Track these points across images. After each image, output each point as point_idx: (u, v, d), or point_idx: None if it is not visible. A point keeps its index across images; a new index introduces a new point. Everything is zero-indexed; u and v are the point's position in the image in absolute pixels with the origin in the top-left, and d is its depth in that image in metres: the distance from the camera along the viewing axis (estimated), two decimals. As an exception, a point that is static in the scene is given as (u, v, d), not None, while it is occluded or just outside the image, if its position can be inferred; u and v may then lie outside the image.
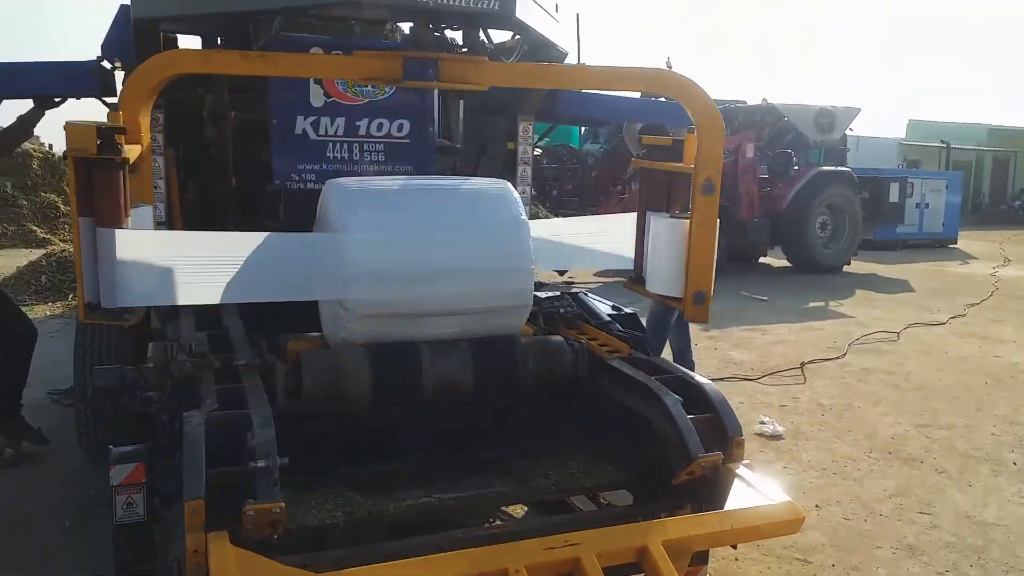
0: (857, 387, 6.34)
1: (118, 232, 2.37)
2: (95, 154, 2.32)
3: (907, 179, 15.34)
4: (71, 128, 2.27)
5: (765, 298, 10.35)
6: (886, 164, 20.76)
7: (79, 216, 2.37)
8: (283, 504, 2.02)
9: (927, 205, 16.69)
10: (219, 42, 4.86)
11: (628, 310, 4.12)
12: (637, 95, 6.54)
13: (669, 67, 14.96)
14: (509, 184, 3.04)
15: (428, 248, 2.73)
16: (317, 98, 4.28)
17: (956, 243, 17.48)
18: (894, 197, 14.29)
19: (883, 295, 11.04)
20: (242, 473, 2.10)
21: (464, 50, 4.05)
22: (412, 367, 2.75)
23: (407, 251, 2.70)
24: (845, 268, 13.19)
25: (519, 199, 2.96)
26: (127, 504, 2.24)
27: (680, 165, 3.13)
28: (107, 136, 2.36)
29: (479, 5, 3.00)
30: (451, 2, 2.96)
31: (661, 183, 3.32)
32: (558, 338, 3.13)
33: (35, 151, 14.85)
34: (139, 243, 2.46)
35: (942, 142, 23.33)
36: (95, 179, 2.37)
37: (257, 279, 2.67)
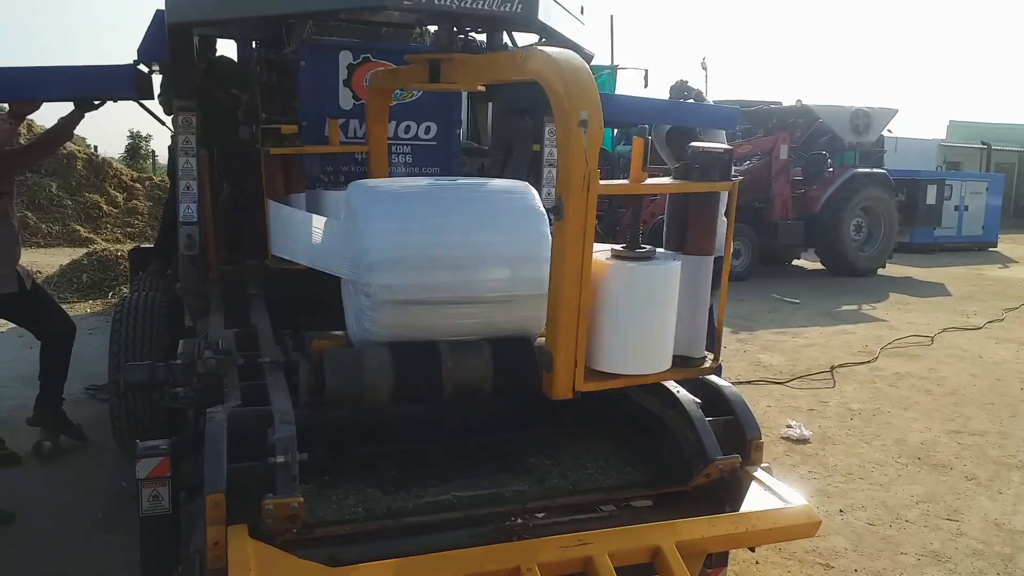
0: (888, 392, 6.26)
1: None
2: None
3: (945, 181, 15.08)
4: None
5: (797, 301, 10.25)
6: (926, 166, 20.37)
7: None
8: (302, 499, 2.07)
9: (966, 207, 16.38)
10: (253, 45, 4.98)
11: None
12: (664, 97, 6.56)
13: (704, 68, 14.88)
14: (528, 184, 3.07)
15: (447, 235, 2.76)
16: (346, 101, 4.36)
17: (996, 246, 17.14)
18: (931, 199, 14.07)
19: (918, 299, 10.87)
20: (262, 468, 2.15)
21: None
22: (433, 366, 2.79)
23: (425, 238, 2.73)
24: (880, 271, 13.01)
25: (537, 196, 2.98)
26: (153, 497, 2.30)
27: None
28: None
29: (502, 8, 3.03)
30: (474, 5, 3.00)
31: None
32: (578, 339, 3.14)
33: (80, 152, 15.23)
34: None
35: (983, 143, 22.87)
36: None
37: (315, 250, 3.08)
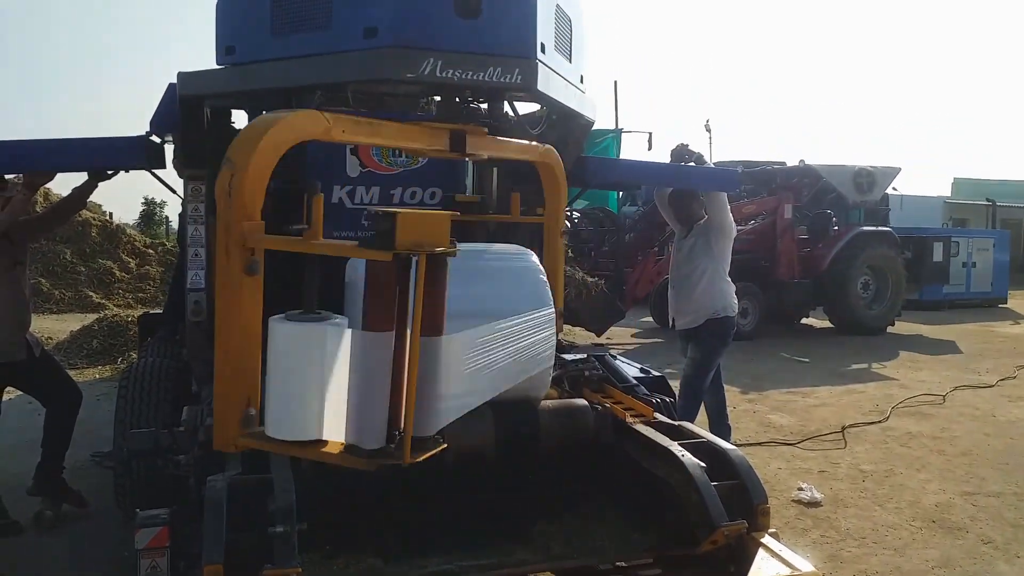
0: (900, 452, 6.17)
1: (446, 338, 2.11)
2: (446, 246, 2.00)
3: (951, 238, 15.13)
4: (421, 216, 1.96)
5: (806, 360, 10.19)
6: (931, 223, 20.47)
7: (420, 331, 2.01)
8: (300, 569, 2.06)
9: (974, 264, 16.38)
10: (263, 115, 5.10)
11: (656, 373, 4.12)
12: (666, 160, 6.64)
13: (708, 130, 15.15)
14: (532, 252, 3.11)
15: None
16: (353, 168, 4.43)
17: (1006, 303, 17.07)
18: (938, 256, 14.09)
19: (928, 356, 10.79)
20: (261, 538, 2.14)
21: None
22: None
23: None
24: (889, 329, 12.95)
25: (540, 266, 3.02)
26: (151, 568, 2.29)
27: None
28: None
29: (503, 79, 3.11)
30: (475, 77, 3.08)
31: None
32: (581, 402, 3.14)
33: (95, 219, 15.49)
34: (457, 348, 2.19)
35: (988, 200, 22.98)
36: (433, 278, 2.04)
37: None
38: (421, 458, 2.07)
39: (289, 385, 2.05)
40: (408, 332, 2.00)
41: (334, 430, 2.05)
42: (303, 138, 2.41)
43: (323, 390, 2.04)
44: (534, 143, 3.62)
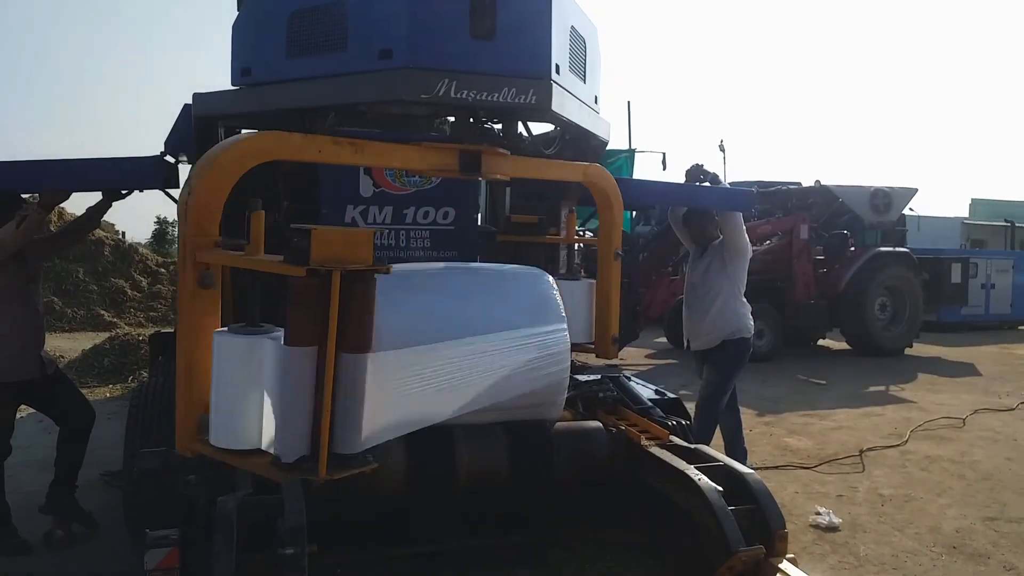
0: (919, 476, 6.07)
1: (371, 357, 2.08)
2: (367, 264, 2.01)
3: (969, 259, 14.97)
4: (332, 233, 1.99)
5: (823, 382, 10.07)
6: (949, 244, 20.28)
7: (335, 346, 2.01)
8: (309, 592, 2.02)
9: (993, 286, 16.20)
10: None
11: (671, 395, 4.07)
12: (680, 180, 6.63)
13: (722, 150, 15.14)
14: (545, 273, 3.08)
15: (460, 337, 2.75)
16: (366, 188, 4.44)
17: (1026, 324, 16.86)
18: (956, 278, 13.93)
19: (947, 379, 10.64)
20: (270, 560, 2.11)
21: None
22: (447, 454, 2.75)
23: (439, 334, 2.72)
24: (907, 351, 12.80)
25: (554, 287, 2.99)
26: (160, 590, 2.26)
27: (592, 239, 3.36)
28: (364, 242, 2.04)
29: (517, 100, 3.11)
30: (490, 98, 3.08)
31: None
32: (595, 424, 3.10)
33: (107, 239, 15.61)
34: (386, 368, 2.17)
35: (1006, 221, 22.77)
36: (356, 295, 2.03)
37: None
38: (339, 476, 2.08)
39: (227, 395, 2.11)
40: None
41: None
42: (266, 159, 2.49)
43: (260, 401, 2.06)
44: (579, 162, 3.56)
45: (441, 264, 3.66)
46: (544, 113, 3.34)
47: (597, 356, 3.78)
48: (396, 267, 2.97)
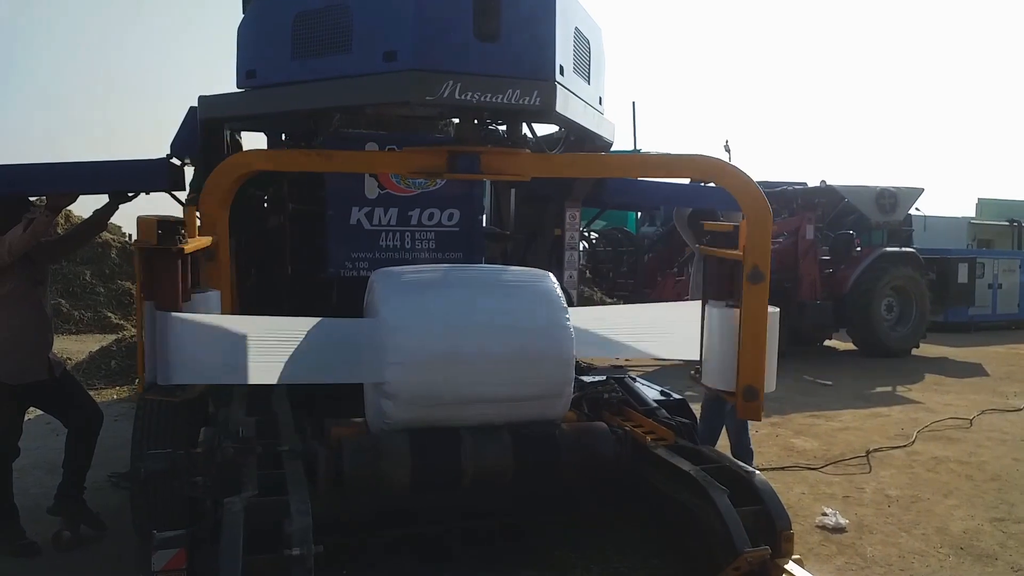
0: (926, 477, 6.05)
1: (173, 315, 2.67)
2: (156, 244, 2.67)
3: (976, 259, 14.90)
4: (141, 221, 2.68)
5: (829, 383, 10.04)
6: (956, 244, 20.17)
7: (143, 299, 2.73)
8: (315, 593, 2.03)
9: (1000, 286, 16.12)
10: (283, 138, 5.14)
11: (677, 396, 4.07)
12: (685, 180, 6.61)
13: (728, 150, 15.10)
14: (550, 274, 3.09)
15: (466, 336, 2.77)
16: (371, 190, 4.45)
17: (1034, 325, 16.77)
18: (963, 278, 13.87)
19: (954, 379, 10.60)
20: (278, 560, 2.12)
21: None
22: (452, 454, 2.75)
23: (445, 339, 2.74)
24: (914, 351, 12.75)
25: (559, 289, 2.99)
26: (167, 590, 2.27)
27: (736, 252, 3.14)
28: (167, 229, 2.71)
29: (521, 101, 3.11)
30: (494, 99, 3.08)
31: (722, 271, 3.28)
32: (601, 425, 3.10)
33: (114, 241, 15.64)
34: (194, 326, 2.74)
35: (1013, 221, 22.66)
36: (155, 267, 2.70)
37: (304, 362, 2.76)
38: (149, 396, 2.93)
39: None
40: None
41: None
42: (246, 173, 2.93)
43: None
44: (699, 154, 3.52)
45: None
46: (548, 114, 3.34)
47: (739, 413, 3.28)
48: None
